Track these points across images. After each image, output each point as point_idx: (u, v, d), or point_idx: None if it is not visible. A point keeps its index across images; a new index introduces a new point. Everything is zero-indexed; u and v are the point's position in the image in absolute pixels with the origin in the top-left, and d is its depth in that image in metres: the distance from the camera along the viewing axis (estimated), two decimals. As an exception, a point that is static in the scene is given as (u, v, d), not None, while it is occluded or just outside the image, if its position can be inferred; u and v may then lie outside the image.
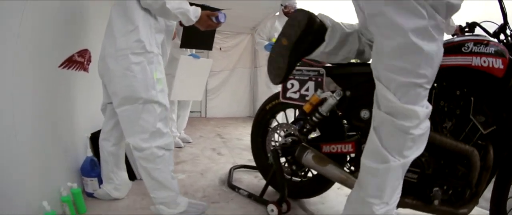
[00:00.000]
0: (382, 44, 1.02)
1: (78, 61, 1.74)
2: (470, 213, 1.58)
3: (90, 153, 1.75)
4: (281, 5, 3.32)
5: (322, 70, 1.52)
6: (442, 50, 1.03)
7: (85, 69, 1.83)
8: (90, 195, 1.74)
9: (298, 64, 1.67)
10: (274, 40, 3.17)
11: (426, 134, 1.06)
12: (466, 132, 1.27)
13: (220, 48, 5.18)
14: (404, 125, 1.00)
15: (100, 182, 1.75)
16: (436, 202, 1.27)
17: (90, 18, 1.85)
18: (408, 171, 1.24)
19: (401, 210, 1.67)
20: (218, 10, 1.66)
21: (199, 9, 1.54)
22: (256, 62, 5.50)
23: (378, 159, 1.05)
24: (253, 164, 2.36)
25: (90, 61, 1.86)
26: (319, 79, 1.52)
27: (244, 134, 3.96)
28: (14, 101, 1.24)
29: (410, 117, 1.00)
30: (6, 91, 1.21)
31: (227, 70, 5.37)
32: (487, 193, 1.35)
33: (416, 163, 1.27)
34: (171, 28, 1.68)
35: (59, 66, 1.57)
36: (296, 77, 1.61)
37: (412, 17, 0.96)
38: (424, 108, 1.03)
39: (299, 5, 3.40)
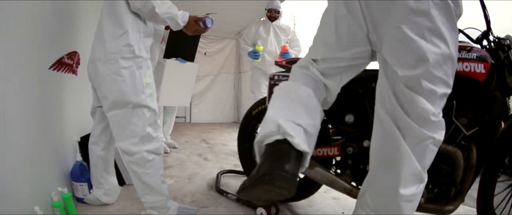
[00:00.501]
0: (423, 50, 0.93)
1: (67, 63, 1.73)
2: (458, 213, 1.70)
3: (79, 158, 1.73)
4: (265, 9, 3.37)
5: (309, 77, 1.57)
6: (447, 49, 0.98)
7: (74, 72, 1.82)
8: (80, 200, 1.72)
9: (284, 70, 1.74)
10: (257, 47, 3.25)
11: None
12: (449, 133, 1.33)
13: (205, 53, 5.21)
14: (418, 125, 0.95)
15: (90, 187, 1.74)
16: (422, 200, 1.32)
17: (80, 18, 1.84)
18: None
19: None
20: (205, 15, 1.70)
21: (187, 14, 1.57)
22: (240, 68, 5.55)
23: (416, 181, 0.97)
24: (240, 169, 2.40)
25: (78, 64, 1.85)
26: (306, 86, 1.58)
27: (229, 139, 3.98)
28: (6, 104, 1.22)
29: (423, 119, 0.96)
30: None
31: (212, 75, 5.40)
32: (474, 192, 1.43)
33: None
34: (159, 33, 1.70)
35: (49, 68, 1.56)
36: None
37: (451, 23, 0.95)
38: (437, 110, 0.98)
39: (287, 7, 3.48)
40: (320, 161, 1.57)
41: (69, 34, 1.75)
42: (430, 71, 0.94)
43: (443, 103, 0.99)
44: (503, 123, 1.40)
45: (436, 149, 0.99)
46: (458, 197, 1.32)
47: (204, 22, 1.61)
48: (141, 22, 1.51)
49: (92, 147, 1.69)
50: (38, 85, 1.48)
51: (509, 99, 1.38)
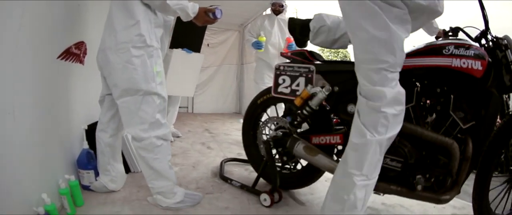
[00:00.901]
0: (352, 40, 1.24)
1: (75, 53, 1.76)
2: (455, 206, 1.72)
3: (86, 145, 1.77)
4: (270, 3, 3.40)
5: (313, 67, 1.61)
6: (402, 36, 1.18)
7: (81, 62, 1.85)
8: (86, 188, 1.76)
9: (289, 61, 1.77)
10: (260, 38, 3.28)
11: (400, 115, 1.21)
12: (446, 126, 1.38)
13: (208, 44, 5.22)
14: (375, 104, 1.18)
15: (96, 174, 1.78)
16: (419, 187, 1.37)
17: (87, 10, 1.86)
18: (392, 160, 1.38)
19: (387, 199, 1.82)
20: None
21: (197, 5, 1.60)
22: (243, 59, 5.56)
23: (358, 135, 1.21)
24: (243, 157, 2.46)
25: (85, 54, 1.88)
26: (309, 75, 1.62)
27: (231, 129, 4.03)
28: (14, 92, 1.25)
29: (380, 97, 1.17)
30: (7, 83, 1.22)
31: (214, 66, 5.42)
32: (470, 188, 1.47)
33: (399, 153, 1.39)
34: (168, 23, 1.73)
35: (58, 58, 1.59)
36: (288, 73, 1.70)
37: (371, 15, 1.15)
38: (392, 89, 1.18)
39: (290, 0, 3.49)
40: (323, 148, 1.62)
41: (77, 24, 1.78)
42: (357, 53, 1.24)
43: (381, 75, 1.19)
44: (499, 120, 1.43)
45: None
46: (454, 187, 1.36)
47: (213, 13, 1.63)
48: (152, 13, 1.54)
49: (99, 134, 1.72)
50: (45, 75, 1.50)
51: (508, 98, 1.41)
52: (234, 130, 3.99)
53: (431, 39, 1.97)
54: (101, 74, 1.65)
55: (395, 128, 1.21)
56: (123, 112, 1.54)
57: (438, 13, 1.27)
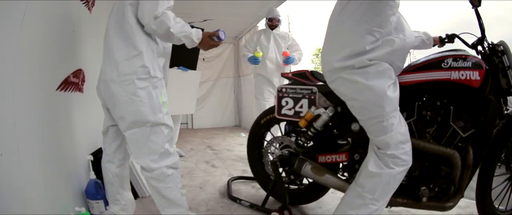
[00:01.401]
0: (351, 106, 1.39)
1: (73, 82, 1.76)
2: (460, 206, 1.77)
3: (93, 176, 1.77)
4: (266, 18, 3.46)
5: (315, 89, 1.67)
6: (384, 87, 1.28)
7: (80, 90, 1.85)
8: None
9: (291, 82, 1.82)
10: (256, 54, 3.34)
11: (408, 152, 1.32)
12: (447, 136, 1.46)
13: (203, 59, 5.27)
14: (383, 151, 1.32)
15: (106, 203, 1.79)
16: (424, 199, 1.45)
17: (81, 36, 1.87)
18: None
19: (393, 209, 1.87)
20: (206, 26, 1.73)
21: (200, 31, 1.58)
22: (239, 71, 5.62)
23: (375, 166, 1.33)
24: (248, 174, 2.49)
25: (84, 81, 1.89)
26: (312, 97, 1.67)
27: (233, 144, 4.07)
28: (16, 129, 1.25)
29: (385, 145, 1.31)
30: (9, 117, 1.23)
31: (211, 80, 5.47)
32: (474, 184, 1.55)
33: None
34: (168, 51, 1.71)
35: (57, 89, 1.59)
36: (290, 95, 1.75)
37: (351, 86, 1.33)
38: (392, 133, 1.29)
39: (281, 7, 3.56)
40: (329, 167, 1.68)
41: (72, 52, 1.77)
42: None
43: (379, 126, 1.32)
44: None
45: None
46: (457, 194, 1.45)
47: (217, 36, 1.62)
48: (153, 42, 1.53)
49: (107, 166, 1.70)
50: (46, 107, 1.51)
51: (507, 104, 1.48)
52: (236, 145, 4.02)
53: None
54: (102, 105, 1.63)
55: (407, 163, 1.32)
56: (131, 144, 1.54)
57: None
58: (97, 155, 1.85)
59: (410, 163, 1.32)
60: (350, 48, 1.30)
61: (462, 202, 1.92)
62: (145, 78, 1.47)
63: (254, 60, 3.36)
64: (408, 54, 1.47)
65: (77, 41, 1.82)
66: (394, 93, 1.30)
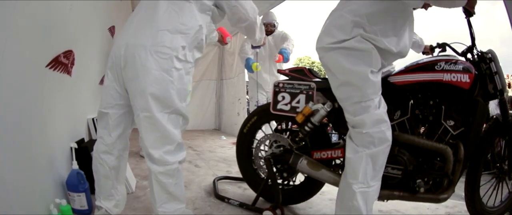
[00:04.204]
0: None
1: (63, 62, 1.64)
2: (447, 206, 1.87)
3: (75, 166, 1.63)
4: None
5: (313, 84, 1.66)
6: (365, 72, 1.35)
7: (69, 72, 1.72)
8: (77, 212, 1.64)
9: (288, 78, 1.80)
10: (254, 67, 3.33)
11: (385, 131, 1.36)
12: (439, 134, 1.53)
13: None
14: (359, 130, 1.37)
15: (87, 197, 1.65)
16: (421, 190, 1.50)
17: (78, 15, 1.77)
18: (393, 169, 1.51)
19: (383, 206, 1.88)
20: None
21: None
22: (222, 74, 5.55)
23: (352, 151, 1.39)
24: (232, 175, 2.47)
25: (73, 64, 1.76)
26: (310, 92, 1.66)
27: (214, 146, 3.99)
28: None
29: (361, 124, 1.36)
30: None
31: (193, 82, 5.35)
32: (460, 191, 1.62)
33: (399, 162, 1.52)
34: (203, 49, 1.57)
35: (47, 66, 1.46)
36: (287, 90, 1.73)
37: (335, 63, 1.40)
38: (369, 114, 1.35)
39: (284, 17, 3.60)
40: (323, 162, 1.66)
41: (66, 31, 1.65)
42: None
43: (359, 106, 1.38)
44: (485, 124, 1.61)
45: None
46: (450, 187, 1.50)
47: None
48: (202, 32, 1.46)
49: (103, 157, 1.50)
50: (29, 87, 1.37)
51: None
52: (217, 147, 3.94)
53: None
54: (110, 76, 1.44)
55: (383, 143, 1.36)
56: (145, 129, 1.36)
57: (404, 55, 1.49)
58: (80, 144, 1.73)
59: (388, 142, 1.37)
60: (342, 34, 1.37)
61: (450, 202, 1.99)
62: (182, 60, 1.37)
63: (249, 68, 3.35)
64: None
65: (71, 20, 1.70)
66: (374, 77, 1.37)
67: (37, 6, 1.35)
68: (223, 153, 3.52)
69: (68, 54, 1.69)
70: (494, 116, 1.62)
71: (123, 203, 1.66)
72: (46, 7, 1.44)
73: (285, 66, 3.59)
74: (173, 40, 1.34)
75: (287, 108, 1.73)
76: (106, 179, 1.54)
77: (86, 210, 1.66)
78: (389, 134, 1.38)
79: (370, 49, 1.36)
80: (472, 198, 1.62)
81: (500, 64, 1.54)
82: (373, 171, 1.36)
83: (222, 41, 1.83)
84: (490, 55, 1.53)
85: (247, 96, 6.06)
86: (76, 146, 1.69)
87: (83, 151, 1.81)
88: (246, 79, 4.50)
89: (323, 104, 1.60)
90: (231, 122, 5.08)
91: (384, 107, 1.40)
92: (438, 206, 1.93)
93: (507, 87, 1.61)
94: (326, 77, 1.61)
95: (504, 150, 1.67)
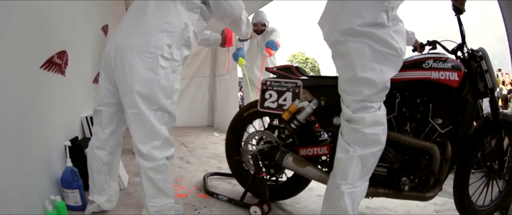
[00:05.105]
0: (340, 75, 1.42)
1: (57, 63, 1.67)
2: (436, 203, 1.90)
3: (69, 163, 1.67)
4: (251, 23, 3.48)
5: (300, 82, 1.69)
6: (388, 75, 1.34)
7: (62, 72, 1.76)
8: (71, 208, 1.66)
9: (275, 76, 1.84)
10: (240, 61, 3.35)
11: (380, 134, 1.34)
12: (426, 132, 1.53)
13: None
14: (356, 126, 1.34)
15: (81, 193, 1.68)
16: (406, 188, 1.52)
17: (71, 17, 1.80)
18: (379, 166, 1.49)
19: (371, 202, 1.93)
20: None
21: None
22: (215, 71, 5.57)
23: (342, 151, 1.37)
24: (223, 171, 2.51)
25: (67, 64, 1.80)
26: (297, 90, 1.69)
27: (206, 143, 4.03)
28: None
29: (360, 121, 1.33)
30: None
31: (187, 79, 5.37)
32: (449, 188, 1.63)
33: (384, 159, 1.51)
34: (193, 48, 1.63)
35: (41, 67, 1.50)
36: (274, 88, 1.76)
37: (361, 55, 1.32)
38: (371, 114, 1.34)
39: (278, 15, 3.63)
40: (310, 159, 1.70)
41: (59, 32, 1.68)
42: None
43: (361, 105, 1.36)
44: (475, 123, 1.61)
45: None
46: (437, 185, 1.51)
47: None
48: (188, 30, 1.49)
49: (97, 152, 1.58)
50: (24, 87, 1.40)
51: (481, 101, 1.58)
52: (210, 143, 3.98)
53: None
54: (104, 77, 1.52)
55: (376, 145, 1.35)
56: (132, 125, 1.43)
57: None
58: (74, 142, 1.76)
59: (381, 146, 1.36)
60: (373, 16, 1.30)
61: (439, 200, 2.03)
62: (168, 59, 1.42)
63: (235, 58, 3.38)
64: None
65: (64, 21, 1.74)
66: (389, 83, 1.36)
67: (31, 7, 1.39)
68: (215, 150, 3.56)
69: (62, 54, 1.73)
70: (485, 115, 1.61)
71: (116, 199, 1.72)
72: (39, 9, 1.47)
73: (279, 59, 3.69)
74: (158, 39, 1.39)
75: (274, 105, 1.77)
76: (99, 174, 1.60)
77: (80, 206, 1.69)
78: (383, 138, 1.37)
79: (398, 51, 1.34)
80: (461, 197, 1.63)
81: (495, 62, 1.58)
82: (362, 173, 1.36)
83: (223, 43, 1.99)
84: (480, 53, 1.53)
85: (240, 93, 6.11)
86: (70, 144, 1.73)
87: (77, 149, 1.84)
88: (239, 75, 4.55)
89: (309, 101, 1.64)
90: (224, 119, 5.12)
91: (384, 109, 1.39)
92: (427, 204, 1.95)
93: (497, 85, 1.60)
94: (313, 75, 1.64)
95: (494, 149, 1.66)
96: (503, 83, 6.30)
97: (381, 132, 1.34)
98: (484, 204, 1.74)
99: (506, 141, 1.68)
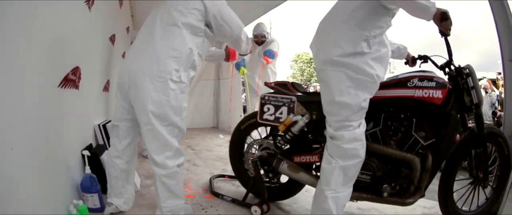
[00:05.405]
0: (322, 98, 1.62)
1: (72, 79, 1.84)
2: (425, 206, 2.07)
3: (88, 170, 1.87)
4: (253, 34, 3.73)
5: (294, 98, 1.91)
6: (362, 98, 1.51)
7: (77, 87, 1.93)
8: (91, 210, 1.85)
9: (272, 91, 2.05)
10: (242, 70, 3.60)
11: (359, 149, 1.53)
12: (409, 144, 1.67)
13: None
14: (336, 142, 1.54)
15: (100, 197, 1.89)
16: (385, 194, 1.69)
17: (81, 34, 1.95)
18: (363, 174, 1.68)
19: (363, 204, 2.13)
20: None
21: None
22: (219, 74, 5.78)
23: (326, 161, 1.58)
24: (228, 173, 2.70)
25: (80, 78, 1.97)
26: (291, 105, 1.91)
27: (212, 145, 4.23)
28: (11, 125, 1.23)
29: (339, 138, 1.53)
30: (17, 115, 1.26)
31: (193, 82, 5.57)
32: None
33: (368, 168, 1.69)
34: (198, 68, 1.84)
35: (58, 86, 1.66)
36: (272, 102, 1.98)
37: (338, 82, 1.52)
38: (349, 132, 1.52)
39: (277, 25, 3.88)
40: (303, 166, 1.92)
41: (72, 50, 1.83)
42: None
43: (341, 124, 1.56)
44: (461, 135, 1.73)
45: None
46: (417, 193, 1.66)
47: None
48: (193, 54, 1.69)
49: (115, 161, 1.81)
50: (48, 103, 1.56)
51: (467, 115, 1.69)
52: (215, 146, 4.19)
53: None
54: (120, 96, 1.73)
55: (355, 158, 1.53)
56: (147, 139, 1.66)
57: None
58: (90, 150, 1.96)
59: (360, 159, 1.54)
60: (352, 47, 1.48)
61: (428, 203, 2.16)
62: (177, 82, 1.63)
63: (238, 68, 3.63)
64: (388, 64, 1.70)
65: (76, 39, 1.89)
66: (366, 104, 1.53)
67: (46, 31, 1.52)
68: (220, 152, 3.76)
69: (75, 70, 1.89)
70: (471, 128, 1.70)
71: (132, 201, 1.96)
72: (53, 29, 1.61)
73: (284, 59, 3.97)
74: (166, 65, 1.61)
75: (272, 118, 1.99)
76: (116, 180, 1.84)
77: (99, 208, 1.91)
78: (362, 152, 1.54)
79: (374, 77, 1.50)
80: (445, 203, 1.74)
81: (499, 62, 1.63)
82: (344, 180, 1.54)
83: (228, 58, 2.33)
84: (467, 70, 1.63)
85: (244, 94, 6.33)
86: (89, 154, 1.93)
87: (93, 157, 2.04)
88: (242, 79, 4.78)
89: (302, 115, 1.85)
90: (228, 120, 5.34)
91: (363, 126, 1.56)
92: (415, 206, 1.96)
93: (482, 101, 1.68)
94: (308, 91, 1.86)
95: (479, 160, 1.75)
96: (494, 83, 6.36)
97: (359, 147, 1.53)
98: (470, 209, 1.87)
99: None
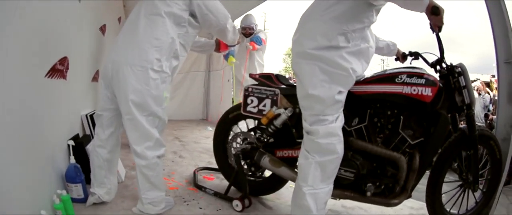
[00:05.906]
0: (297, 92, 1.60)
1: (59, 69, 1.80)
2: (412, 207, 2.04)
3: (73, 160, 1.84)
4: (240, 26, 3.67)
5: (278, 91, 1.88)
6: (335, 91, 1.48)
7: (64, 77, 1.89)
8: (75, 200, 1.83)
9: (256, 83, 2.02)
10: (230, 60, 3.55)
11: (335, 144, 1.49)
12: (396, 142, 1.61)
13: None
14: (312, 137, 1.51)
15: (83, 187, 1.87)
16: (368, 194, 1.64)
17: (70, 24, 1.92)
18: (346, 171, 1.65)
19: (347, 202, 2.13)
20: None
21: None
22: (210, 66, 5.73)
23: (303, 157, 1.55)
24: (213, 166, 2.67)
25: (68, 69, 1.93)
26: (275, 98, 1.89)
27: (200, 137, 4.20)
28: (7, 114, 1.26)
29: (315, 133, 1.50)
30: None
31: (182, 73, 5.51)
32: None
33: (352, 165, 1.65)
34: (183, 58, 1.82)
35: (45, 76, 1.63)
36: (255, 95, 1.96)
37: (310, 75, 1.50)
38: (324, 126, 1.49)
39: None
40: (286, 161, 1.90)
41: (60, 40, 1.80)
42: None
43: (315, 119, 1.53)
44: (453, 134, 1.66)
45: None
46: (402, 193, 1.61)
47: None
48: (175, 43, 1.68)
49: (98, 150, 1.80)
50: (33, 93, 1.53)
51: (459, 115, 1.63)
52: (203, 138, 4.16)
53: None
54: (104, 85, 1.73)
55: (332, 154, 1.50)
56: (128, 128, 1.67)
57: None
58: (76, 140, 1.94)
59: (337, 154, 1.49)
60: (326, 40, 1.45)
61: (415, 203, 2.16)
62: (158, 71, 1.63)
63: (226, 56, 3.58)
64: (382, 61, 1.68)
65: (64, 29, 1.86)
66: (341, 97, 1.50)
67: (34, 19, 1.50)
68: (207, 144, 3.71)
69: (63, 60, 1.85)
70: (461, 128, 1.65)
71: (114, 191, 1.94)
72: (42, 18, 1.58)
73: (276, 52, 3.97)
74: (148, 54, 1.60)
75: (255, 110, 1.96)
76: (99, 169, 1.83)
77: (82, 198, 1.89)
78: (339, 147, 1.49)
79: (349, 71, 1.46)
80: (433, 205, 1.71)
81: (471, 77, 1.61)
82: (322, 177, 1.50)
83: (218, 49, 2.32)
84: (459, 69, 1.57)
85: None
86: (74, 144, 1.90)
87: (79, 146, 2.00)
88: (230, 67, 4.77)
89: (285, 109, 1.83)
90: (217, 112, 5.30)
91: (341, 121, 1.51)
92: (402, 206, 1.97)
93: (474, 102, 1.63)
94: (293, 84, 1.83)
95: (469, 162, 1.70)
96: (488, 85, 6.40)
97: (336, 142, 1.49)
98: (459, 212, 1.83)
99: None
